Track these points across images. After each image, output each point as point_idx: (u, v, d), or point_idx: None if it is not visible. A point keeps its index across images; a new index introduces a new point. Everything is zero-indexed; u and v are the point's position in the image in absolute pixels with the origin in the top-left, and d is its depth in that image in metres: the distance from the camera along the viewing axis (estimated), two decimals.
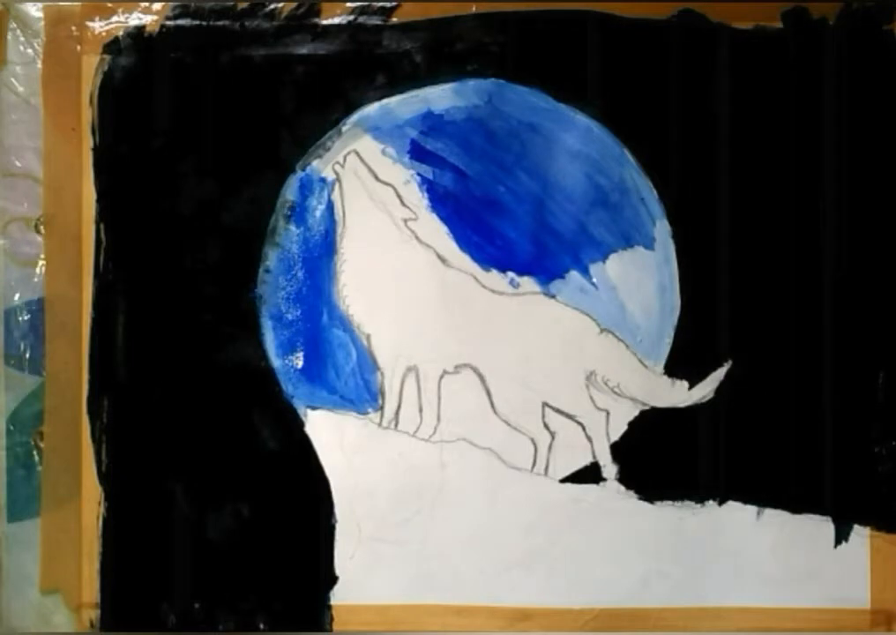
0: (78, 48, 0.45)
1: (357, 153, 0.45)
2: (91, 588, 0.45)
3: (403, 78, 0.45)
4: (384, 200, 0.45)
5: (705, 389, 0.45)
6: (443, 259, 0.45)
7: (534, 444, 0.45)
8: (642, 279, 0.45)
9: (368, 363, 0.45)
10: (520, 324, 0.45)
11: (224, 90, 0.45)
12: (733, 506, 0.45)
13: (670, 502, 0.45)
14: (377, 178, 0.45)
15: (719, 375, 0.45)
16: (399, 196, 0.45)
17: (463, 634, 0.45)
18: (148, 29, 0.45)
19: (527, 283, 0.45)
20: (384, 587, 0.45)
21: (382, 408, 0.45)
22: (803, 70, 0.45)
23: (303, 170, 0.45)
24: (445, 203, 0.45)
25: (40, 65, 0.45)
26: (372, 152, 0.45)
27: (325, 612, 0.45)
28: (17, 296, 0.45)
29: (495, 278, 0.45)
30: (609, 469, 0.45)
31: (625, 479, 0.45)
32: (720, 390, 0.45)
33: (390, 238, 0.45)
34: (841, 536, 0.45)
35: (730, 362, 0.45)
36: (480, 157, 0.45)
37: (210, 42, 0.45)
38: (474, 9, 0.45)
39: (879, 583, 0.45)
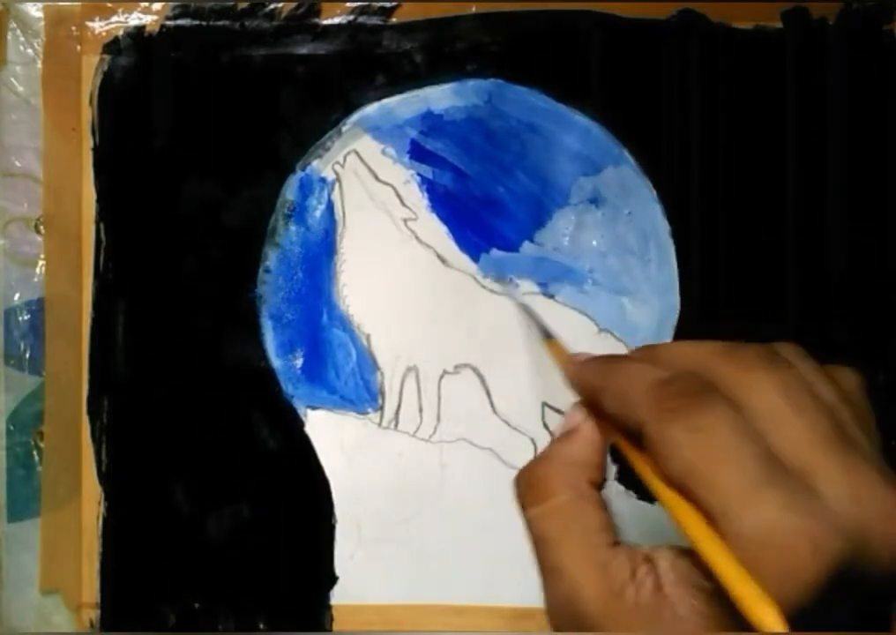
0: (78, 48, 0.45)
1: (357, 153, 0.45)
2: (91, 588, 0.45)
3: (403, 78, 0.45)
4: (384, 200, 0.45)
5: None
6: (443, 259, 0.45)
7: (534, 445, 0.45)
8: (641, 278, 0.45)
9: (368, 363, 0.45)
10: (520, 324, 0.45)
11: (224, 90, 0.45)
12: None
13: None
14: (377, 178, 0.45)
15: None
16: (399, 196, 0.45)
17: (463, 634, 0.45)
18: (148, 29, 0.45)
19: (527, 283, 0.45)
20: (384, 587, 0.45)
21: (382, 408, 0.45)
22: (803, 69, 0.45)
23: (303, 170, 0.45)
24: (445, 203, 0.45)
25: (40, 65, 0.45)
26: (372, 152, 0.45)
27: (325, 612, 0.45)
28: (17, 296, 0.45)
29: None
30: (609, 469, 0.45)
31: (625, 479, 0.45)
32: None
33: (390, 238, 0.45)
34: None
35: None
36: (479, 157, 0.45)
37: (210, 42, 0.45)
38: (473, 9, 0.45)
39: None
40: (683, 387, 0.23)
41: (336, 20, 0.45)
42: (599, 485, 0.26)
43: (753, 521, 0.20)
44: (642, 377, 0.24)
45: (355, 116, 0.45)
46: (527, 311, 0.43)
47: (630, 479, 0.46)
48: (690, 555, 0.22)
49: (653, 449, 0.23)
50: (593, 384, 0.26)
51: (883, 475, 0.21)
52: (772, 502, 0.20)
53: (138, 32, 0.45)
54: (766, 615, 0.19)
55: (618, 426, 0.25)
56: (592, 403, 0.27)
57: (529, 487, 0.26)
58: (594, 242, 0.45)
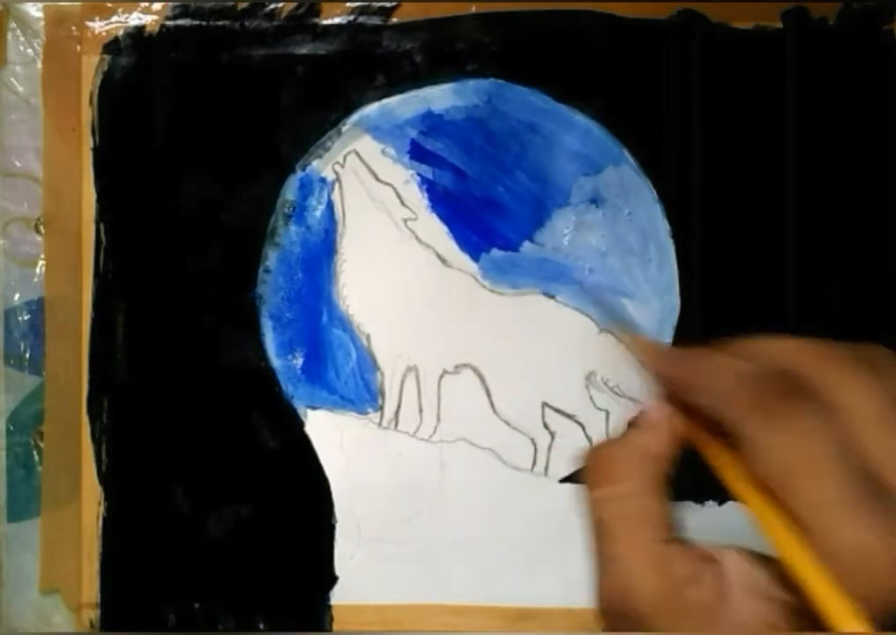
0: (78, 48, 0.45)
1: (357, 153, 0.45)
2: (91, 588, 0.45)
3: (403, 78, 0.45)
4: (384, 200, 0.45)
5: None
6: (443, 259, 0.45)
7: (534, 444, 0.45)
8: (641, 278, 0.45)
9: (368, 363, 0.45)
10: (520, 324, 0.45)
11: (224, 90, 0.45)
12: (733, 506, 0.45)
13: (670, 502, 0.45)
14: (377, 178, 0.45)
15: None
16: (398, 196, 0.45)
17: (463, 634, 0.45)
18: (148, 29, 0.45)
19: (527, 283, 0.45)
20: (384, 587, 0.45)
21: (382, 408, 0.45)
22: (803, 69, 0.45)
23: (303, 170, 0.45)
24: (445, 203, 0.45)
25: (40, 65, 0.45)
26: (372, 152, 0.45)
27: (325, 612, 0.45)
28: (17, 296, 0.45)
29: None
30: None
31: None
32: None
33: (390, 238, 0.45)
34: None
35: None
36: (479, 157, 0.45)
37: (210, 42, 0.45)
38: (473, 9, 0.45)
39: None
40: (778, 387, 0.21)
41: (336, 20, 0.45)
42: (667, 480, 0.25)
43: (849, 540, 0.19)
44: (733, 370, 0.23)
45: (355, 116, 0.45)
46: (603, 304, 0.43)
47: None
48: (762, 562, 0.22)
49: (745, 448, 0.22)
50: (681, 377, 0.25)
51: None
52: (870, 523, 0.19)
53: (138, 32, 0.45)
54: (859, 631, 0.18)
55: (704, 422, 0.24)
56: (675, 397, 0.25)
57: (597, 467, 0.24)
58: (594, 242, 0.45)
